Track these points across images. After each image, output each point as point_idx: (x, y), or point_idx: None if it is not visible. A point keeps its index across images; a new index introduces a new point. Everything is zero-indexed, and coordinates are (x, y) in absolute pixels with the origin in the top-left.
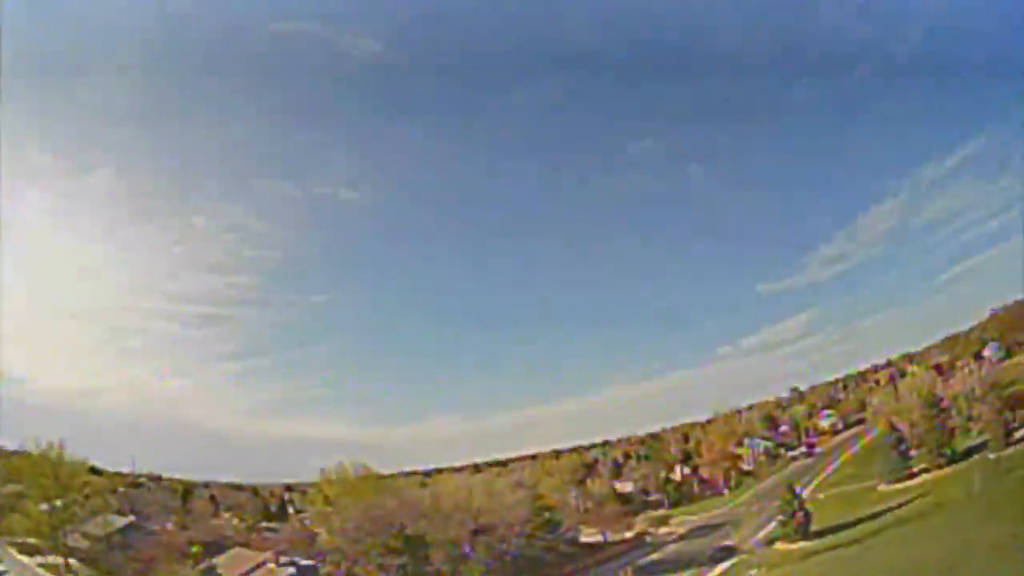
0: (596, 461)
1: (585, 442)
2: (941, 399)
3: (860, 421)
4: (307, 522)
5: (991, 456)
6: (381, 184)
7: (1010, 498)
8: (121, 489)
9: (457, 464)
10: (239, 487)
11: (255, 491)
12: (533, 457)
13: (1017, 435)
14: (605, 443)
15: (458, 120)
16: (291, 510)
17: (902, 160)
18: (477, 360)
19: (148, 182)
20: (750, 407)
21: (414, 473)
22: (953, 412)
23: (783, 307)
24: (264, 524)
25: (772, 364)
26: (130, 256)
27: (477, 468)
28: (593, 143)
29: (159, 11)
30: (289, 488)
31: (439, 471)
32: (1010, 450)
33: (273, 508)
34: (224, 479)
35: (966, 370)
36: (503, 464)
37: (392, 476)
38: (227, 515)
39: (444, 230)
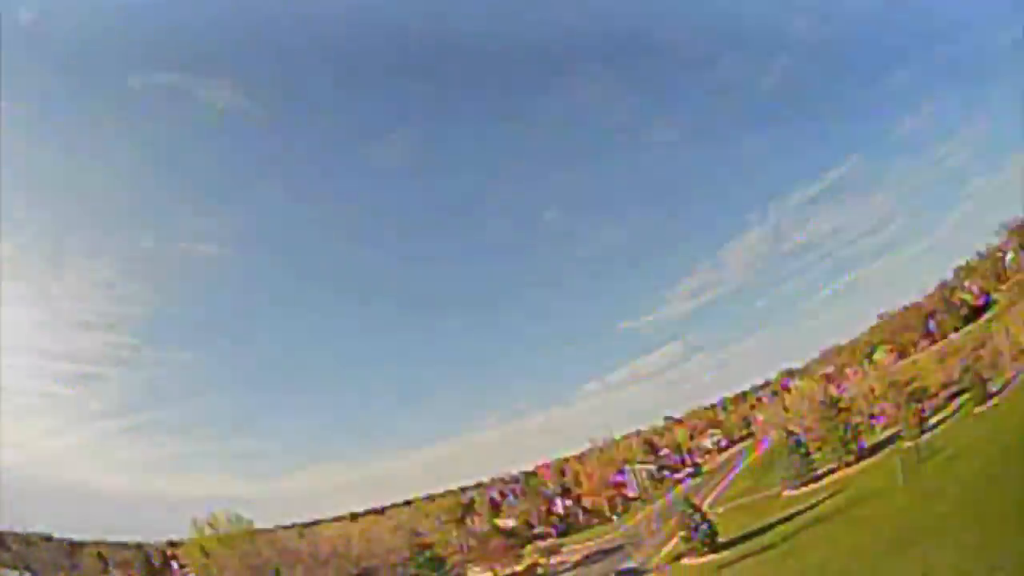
0: (472, 501)
1: (459, 485)
2: (839, 399)
3: (745, 438)
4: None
5: (908, 445)
6: (240, 240)
7: (937, 481)
8: (14, 547)
9: (334, 514)
10: (125, 545)
11: (140, 548)
12: (408, 503)
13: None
14: (479, 484)
15: (315, 176)
16: (175, 565)
17: (767, 188)
18: (348, 411)
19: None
20: (626, 436)
21: (293, 525)
22: (853, 411)
23: (648, 341)
24: None
25: (644, 395)
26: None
27: (355, 516)
28: (453, 191)
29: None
30: (173, 544)
31: (317, 522)
32: (926, 436)
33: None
34: (112, 538)
35: (860, 374)
36: (380, 512)
37: (270, 529)
38: (116, 572)
39: (304, 286)
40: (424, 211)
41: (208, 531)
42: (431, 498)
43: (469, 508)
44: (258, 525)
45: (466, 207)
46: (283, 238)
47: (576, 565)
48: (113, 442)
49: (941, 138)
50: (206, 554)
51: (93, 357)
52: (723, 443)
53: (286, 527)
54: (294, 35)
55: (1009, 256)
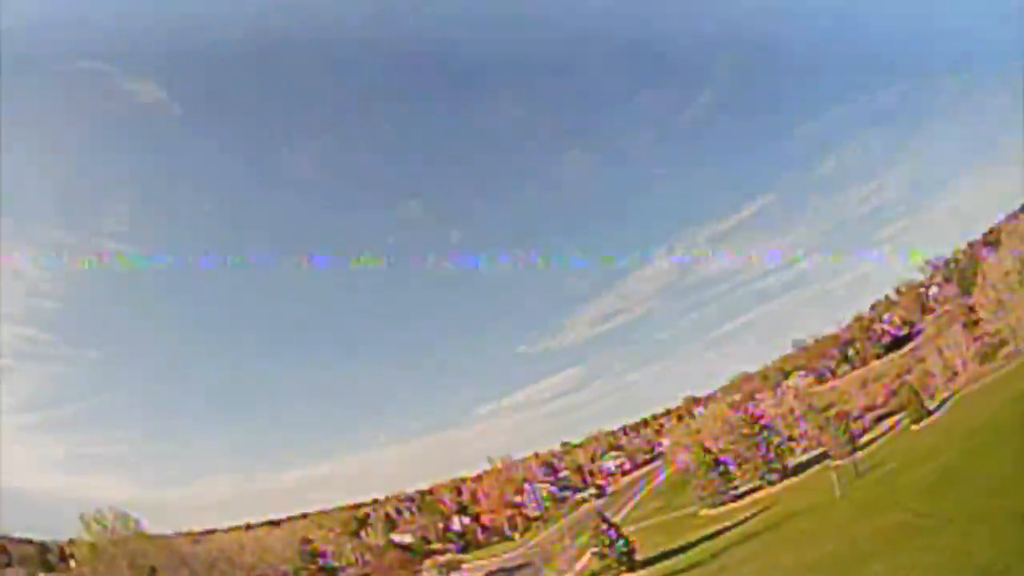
0: (368, 515)
1: (355, 500)
2: (760, 417)
3: (649, 461)
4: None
5: (836, 463)
6: (155, 240)
7: (885, 493)
8: None
9: (231, 524)
10: (29, 541)
11: (42, 545)
12: (305, 516)
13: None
14: (375, 501)
15: (228, 180)
16: (72, 563)
17: (677, 220)
18: (251, 424)
19: None
20: (524, 459)
21: (190, 532)
22: (774, 431)
23: (546, 366)
24: None
25: (541, 419)
26: None
27: (250, 527)
28: (360, 207)
29: None
30: (73, 542)
31: (214, 531)
32: (859, 455)
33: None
34: (17, 534)
35: (775, 398)
36: (276, 524)
37: (167, 535)
38: (17, 568)
39: (219, 295)
40: (330, 228)
41: (97, 529)
42: (327, 512)
43: (364, 523)
44: (157, 530)
45: (371, 224)
46: (196, 241)
47: None
48: (18, 437)
49: (864, 178)
50: (96, 553)
51: (8, 350)
52: (626, 466)
53: (182, 533)
54: (222, 39)
55: (934, 290)
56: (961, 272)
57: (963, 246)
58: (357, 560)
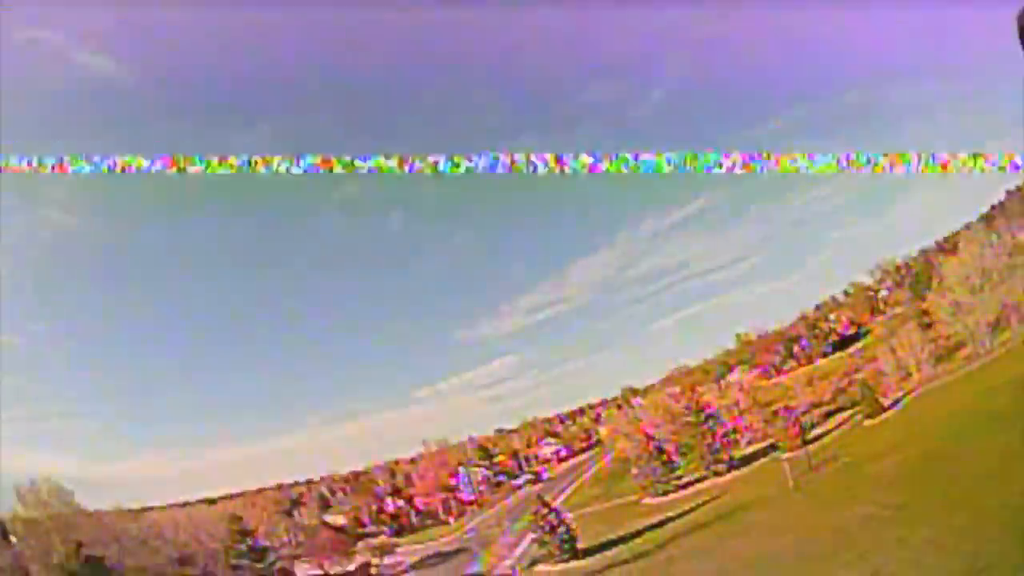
0: (302, 495)
1: (288, 480)
2: (706, 406)
3: (586, 449)
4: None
5: (786, 455)
6: (94, 212)
7: (836, 487)
8: None
9: (168, 501)
10: None
11: None
12: (242, 495)
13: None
14: (309, 481)
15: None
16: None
17: (620, 212)
18: (186, 401)
19: None
20: (460, 443)
21: (127, 509)
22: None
23: (484, 352)
24: None
25: (477, 404)
26: None
27: (186, 504)
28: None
29: None
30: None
31: (150, 508)
32: (812, 447)
33: None
34: None
35: (718, 390)
36: (212, 502)
37: (103, 511)
38: None
39: (158, 263)
40: (261, 213)
41: (31, 503)
42: (261, 491)
43: (297, 503)
44: (94, 506)
45: (305, 209)
46: (134, 216)
47: (414, 568)
48: None
49: (816, 179)
50: (28, 527)
51: None
52: (563, 452)
53: (117, 510)
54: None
55: (883, 293)
56: (915, 277)
57: (914, 252)
58: (290, 540)
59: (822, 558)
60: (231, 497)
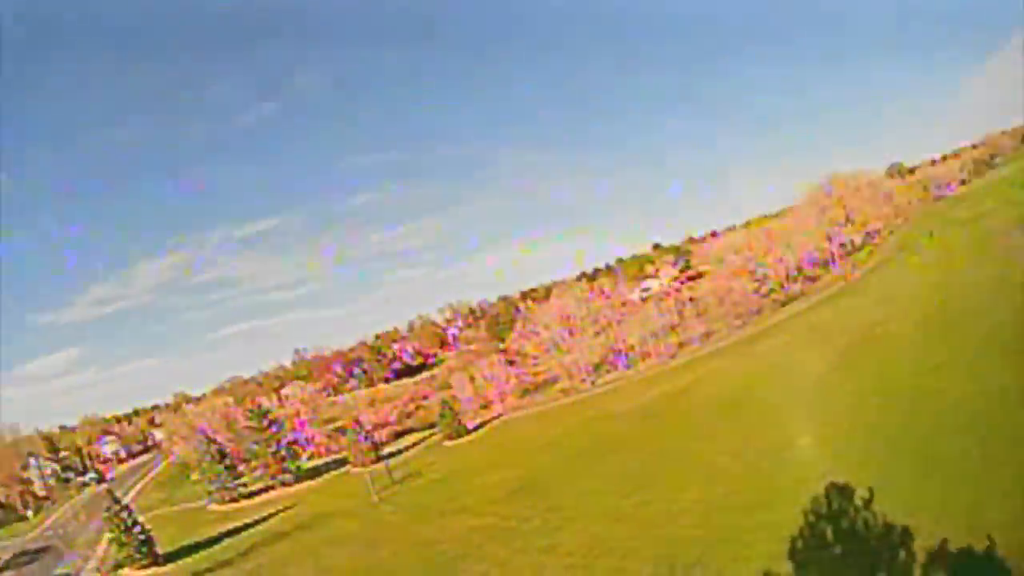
0: None
1: None
2: (268, 412)
3: (143, 451)
4: None
5: (360, 469)
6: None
7: (433, 500)
8: None
9: None
10: None
11: None
12: None
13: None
14: None
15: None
16: None
17: (196, 220)
18: None
19: None
20: (30, 436)
21: None
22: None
23: (52, 341)
24: None
25: (50, 395)
26: None
27: None
28: None
29: None
30: None
31: None
32: (391, 462)
33: None
34: None
35: (277, 401)
36: None
37: None
38: None
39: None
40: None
41: None
42: None
43: None
44: None
45: None
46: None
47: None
48: None
49: (398, 217)
50: None
51: None
52: (122, 453)
53: None
54: None
55: (453, 330)
56: (493, 318)
57: (493, 298)
58: None
59: (444, 566)
60: None
